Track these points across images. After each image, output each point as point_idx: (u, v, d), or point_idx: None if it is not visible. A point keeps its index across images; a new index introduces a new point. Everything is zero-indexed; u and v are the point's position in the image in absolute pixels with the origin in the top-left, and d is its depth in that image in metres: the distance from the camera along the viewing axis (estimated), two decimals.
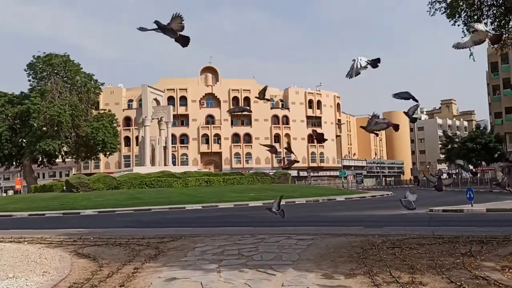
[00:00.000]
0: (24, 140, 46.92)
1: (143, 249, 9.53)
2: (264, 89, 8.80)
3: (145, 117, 42.93)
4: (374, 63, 5.79)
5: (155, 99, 45.74)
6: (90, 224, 16.82)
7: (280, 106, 79.14)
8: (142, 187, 34.43)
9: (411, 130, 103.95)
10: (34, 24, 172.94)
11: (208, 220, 18.07)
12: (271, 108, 78.02)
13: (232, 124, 76.57)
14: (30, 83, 47.88)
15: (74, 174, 63.21)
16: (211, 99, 76.47)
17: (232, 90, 76.10)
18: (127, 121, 72.85)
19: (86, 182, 32.97)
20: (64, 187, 33.63)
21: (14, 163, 49.22)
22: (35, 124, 44.93)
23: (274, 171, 52.36)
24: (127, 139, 72.20)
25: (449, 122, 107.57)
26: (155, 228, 14.63)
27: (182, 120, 73.83)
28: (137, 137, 69.51)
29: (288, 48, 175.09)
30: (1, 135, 45.33)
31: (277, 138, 77.37)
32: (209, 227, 13.34)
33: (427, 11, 11.01)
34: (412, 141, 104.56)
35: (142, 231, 13.05)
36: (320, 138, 8.57)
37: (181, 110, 72.90)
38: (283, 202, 27.77)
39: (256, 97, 11.22)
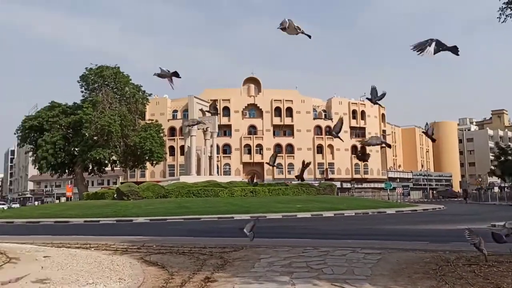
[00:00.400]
0: (76, 149, 48.67)
1: (207, 258, 9.56)
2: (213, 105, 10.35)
3: (191, 127, 43.55)
4: (454, 50, 5.68)
5: (201, 110, 46.41)
6: (145, 231, 17.10)
7: (323, 116, 78.59)
8: (189, 196, 34.83)
9: (460, 141, 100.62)
10: (83, 38, 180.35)
11: (262, 231, 17.87)
12: (314, 119, 77.62)
13: (274, 134, 76.62)
14: (82, 94, 49.87)
15: (121, 183, 64.91)
16: (253, 110, 76.88)
17: (275, 100, 76.33)
18: (172, 131, 74.36)
19: (136, 191, 33.73)
20: (115, 195, 34.52)
21: (66, 171, 51.10)
22: (86, 134, 46.58)
23: (318, 182, 51.85)
24: (172, 148, 73.58)
25: (501, 133, 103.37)
26: (210, 237, 14.70)
27: (225, 130, 74.53)
28: (181, 147, 70.75)
29: (330, 58, 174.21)
30: (55, 144, 47.20)
31: (319, 149, 76.77)
32: (266, 238, 13.25)
33: (497, 18, 10.62)
34: (461, 152, 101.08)
35: (201, 240, 13.14)
36: (363, 157, 8.88)
37: (224, 120, 73.59)
38: (331, 213, 27.29)
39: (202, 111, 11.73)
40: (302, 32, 6.07)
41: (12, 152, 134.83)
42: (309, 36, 6.20)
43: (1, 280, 6.23)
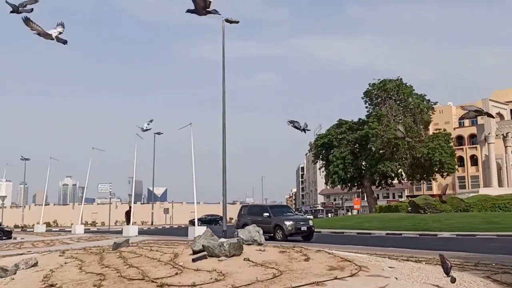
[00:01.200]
0: (363, 163, 50.19)
1: None
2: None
3: (488, 133, 39.09)
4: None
5: (498, 113, 41.19)
6: (464, 247, 15.58)
7: None
8: (495, 210, 30.97)
9: None
10: (355, 57, 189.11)
11: None
12: None
13: None
14: (367, 110, 51.35)
15: (407, 196, 63.60)
16: None
17: None
18: (459, 140, 68.86)
19: (432, 204, 32.09)
20: (409, 208, 33.68)
21: (355, 184, 53.26)
22: (373, 148, 47.47)
23: None
24: (460, 159, 67.95)
25: None
26: None
27: None
28: (471, 157, 64.70)
29: None
30: (345, 159, 49.81)
31: None
32: None
33: None
34: None
35: None
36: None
37: None
38: None
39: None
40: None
41: (302, 168, 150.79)
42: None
43: (367, 287, 6.22)
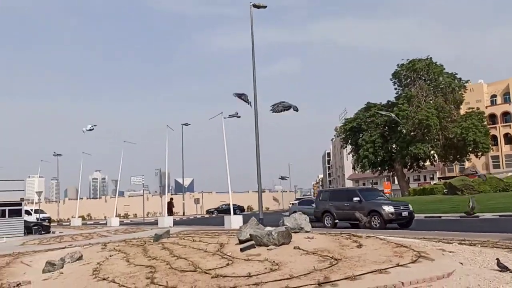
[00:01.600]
0: (394, 146, 49.05)
1: None
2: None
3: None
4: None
5: None
6: (510, 229, 14.99)
7: None
8: None
9: None
10: (377, 39, 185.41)
11: None
12: None
13: None
14: (396, 91, 50.06)
15: (439, 178, 62.14)
16: None
17: None
18: (492, 118, 66.70)
19: (470, 185, 31.19)
20: (445, 190, 32.81)
21: (386, 168, 52.17)
22: (403, 130, 46.33)
23: None
24: (494, 138, 65.85)
25: None
26: None
27: None
28: (505, 135, 62.76)
29: None
30: (374, 142, 48.74)
31: None
32: None
33: None
34: None
35: None
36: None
37: None
38: None
39: None
40: None
41: (328, 154, 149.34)
42: None
43: (435, 274, 5.86)
